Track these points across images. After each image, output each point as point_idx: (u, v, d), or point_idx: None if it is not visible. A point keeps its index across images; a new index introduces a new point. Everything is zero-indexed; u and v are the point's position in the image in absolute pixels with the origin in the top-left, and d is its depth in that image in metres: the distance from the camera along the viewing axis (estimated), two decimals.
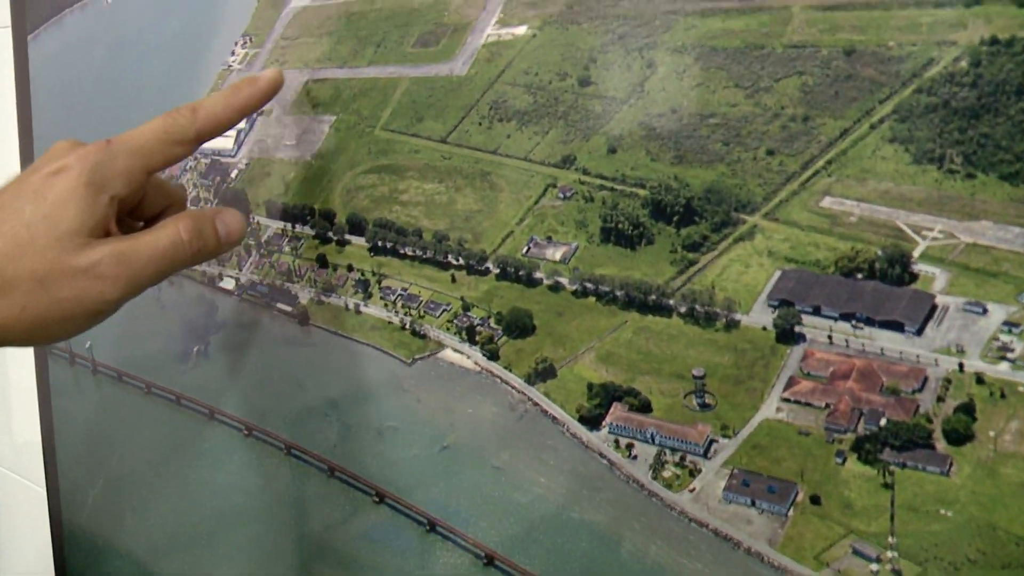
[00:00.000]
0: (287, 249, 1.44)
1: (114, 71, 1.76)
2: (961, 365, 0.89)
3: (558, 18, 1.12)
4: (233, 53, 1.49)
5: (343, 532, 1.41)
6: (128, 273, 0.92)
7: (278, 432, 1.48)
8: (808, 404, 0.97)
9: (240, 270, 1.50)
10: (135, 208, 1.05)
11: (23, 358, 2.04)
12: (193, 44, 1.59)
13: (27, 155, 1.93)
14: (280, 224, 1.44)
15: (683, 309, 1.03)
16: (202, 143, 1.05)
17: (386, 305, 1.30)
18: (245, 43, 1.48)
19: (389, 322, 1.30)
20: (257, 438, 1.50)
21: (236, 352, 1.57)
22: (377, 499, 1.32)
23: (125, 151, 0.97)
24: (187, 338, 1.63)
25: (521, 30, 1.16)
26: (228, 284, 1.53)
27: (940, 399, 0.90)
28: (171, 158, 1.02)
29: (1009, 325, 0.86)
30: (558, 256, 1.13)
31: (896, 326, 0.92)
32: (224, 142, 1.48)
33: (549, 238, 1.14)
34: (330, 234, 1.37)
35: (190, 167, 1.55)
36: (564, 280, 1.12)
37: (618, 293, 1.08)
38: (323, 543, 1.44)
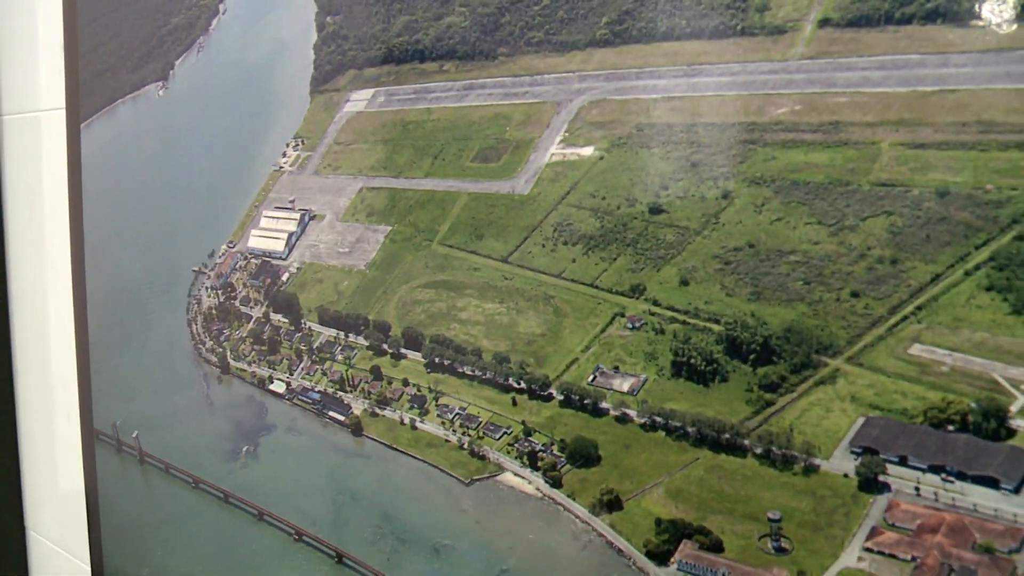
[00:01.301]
0: (340, 358, 1.43)
1: (165, 163, 1.78)
2: None
3: (627, 140, 1.11)
4: (284, 154, 1.51)
5: None
6: None
7: (326, 540, 1.45)
8: (892, 556, 0.95)
9: (291, 374, 1.50)
10: None
11: (70, 440, 2.05)
12: (245, 141, 1.61)
13: (77, 236, 1.92)
14: (333, 332, 1.44)
15: (759, 450, 1.00)
16: None
17: (443, 423, 1.28)
18: (297, 145, 1.49)
19: (446, 440, 1.29)
20: (307, 544, 1.48)
21: (287, 456, 1.55)
22: None
23: None
24: (237, 438, 1.62)
25: (587, 151, 1.15)
26: (279, 387, 1.52)
27: None
28: None
29: None
30: (626, 387, 1.11)
31: (991, 482, 0.89)
32: (275, 244, 1.48)
33: (616, 368, 1.12)
34: (385, 346, 1.36)
35: (240, 267, 1.55)
36: (632, 412, 1.10)
37: (690, 429, 1.05)
38: None
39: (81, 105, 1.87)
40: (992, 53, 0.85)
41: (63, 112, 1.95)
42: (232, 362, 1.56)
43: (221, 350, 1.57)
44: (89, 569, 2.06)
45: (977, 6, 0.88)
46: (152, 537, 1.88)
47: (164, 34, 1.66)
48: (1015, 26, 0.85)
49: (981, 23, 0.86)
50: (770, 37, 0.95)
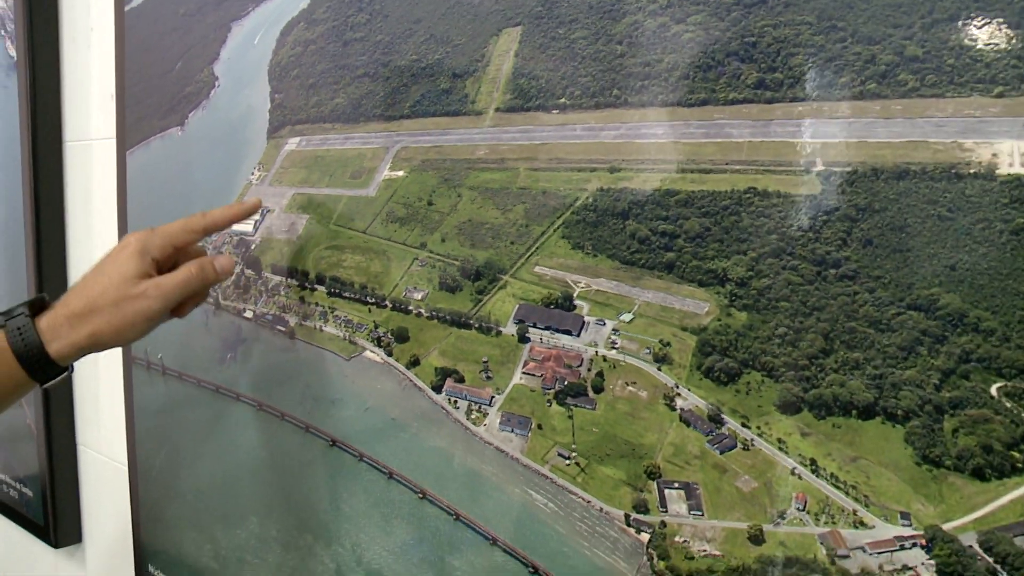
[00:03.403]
0: (283, 293, 1.73)
1: (181, 179, 2.15)
2: (596, 351, 1.19)
3: (418, 167, 1.46)
4: (253, 173, 1.89)
5: (313, 466, 1.67)
6: (162, 294, 1.32)
7: (276, 405, 1.86)
8: (533, 375, 1.27)
9: (256, 305, 1.88)
10: (173, 266, 1.44)
11: (113, 367, 2.26)
12: (229, 165, 1.97)
13: (123, 229, 2.31)
14: (279, 278, 1.74)
15: (477, 326, 1.34)
16: (208, 234, 1.49)
17: (336, 326, 1.59)
18: (260, 168, 1.86)
19: (338, 336, 1.59)
20: (265, 411, 1.81)
21: (252, 356, 1.92)
22: (331, 443, 1.61)
23: (160, 234, 1.40)
24: (223, 349, 2.04)
25: (400, 173, 1.49)
26: (248, 315, 1.90)
27: (589, 369, 1.20)
28: (188, 241, 1.45)
29: (615, 331, 1.19)
30: (419, 297, 1.43)
31: (568, 332, 1.23)
32: (247, 227, 1.86)
33: (415, 287, 1.43)
34: (306, 284, 1.64)
35: (228, 242, 1.94)
36: (423, 311, 1.42)
37: (448, 317, 1.38)
38: (302, 473, 1.70)
39: (127, 138, 2.25)
40: (561, 126, 1.27)
41: (112, 141, 2.32)
42: (221, 301, 1.91)
43: (215, 294, 1.92)
44: (127, 468, 2.37)
45: (556, 103, 1.30)
46: (167, 427, 2.25)
47: (181, 97, 2.07)
48: (569, 112, 1.28)
49: (557, 111, 1.33)
50: (476, 116, 1.37)
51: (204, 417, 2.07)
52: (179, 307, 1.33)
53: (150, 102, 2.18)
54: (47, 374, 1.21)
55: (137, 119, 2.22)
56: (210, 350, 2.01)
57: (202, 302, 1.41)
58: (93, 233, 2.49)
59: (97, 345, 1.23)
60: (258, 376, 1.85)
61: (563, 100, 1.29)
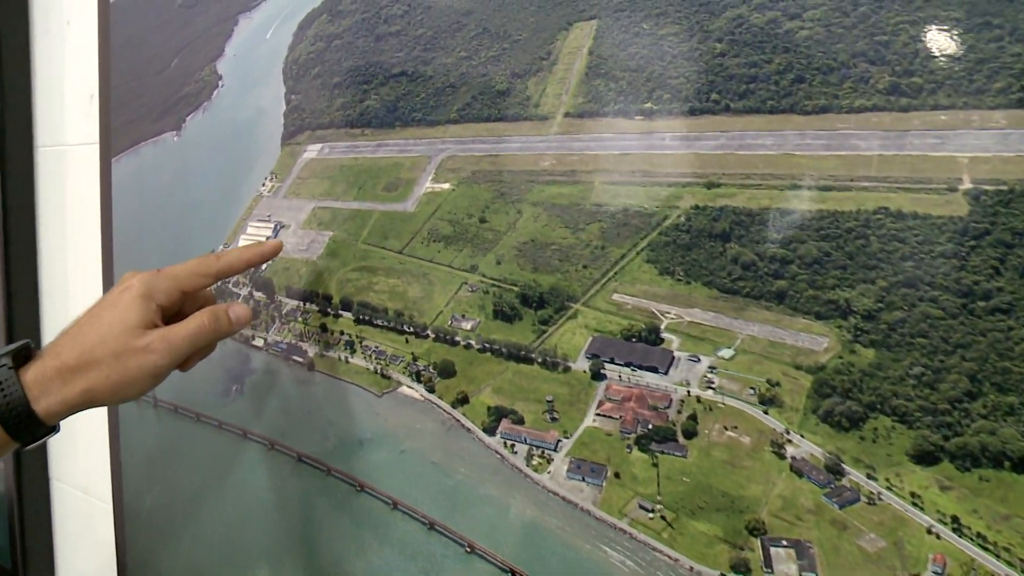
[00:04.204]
0: (300, 319, 1.70)
1: (177, 188, 2.01)
2: (688, 392, 1.10)
3: (467, 179, 1.40)
4: (264, 184, 1.77)
5: (337, 513, 1.56)
6: (170, 348, 1.20)
7: (291, 445, 1.74)
8: (610, 417, 1.17)
9: (267, 333, 1.78)
10: (180, 311, 1.32)
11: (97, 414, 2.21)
12: (234, 175, 1.86)
13: (107, 248, 2.16)
14: (296, 302, 1.71)
15: (540, 360, 1.24)
16: (220, 279, 1.35)
17: (365, 357, 1.55)
18: (272, 178, 1.76)
19: (367, 369, 1.49)
20: (279, 451, 1.77)
21: (263, 390, 1.80)
22: (358, 488, 1.50)
23: (167, 277, 1.27)
24: (228, 380, 1.90)
25: (446, 186, 1.42)
26: (258, 343, 1.79)
27: (679, 411, 1.11)
28: (198, 286, 1.32)
29: (711, 368, 1.09)
30: (469, 327, 1.34)
31: (653, 369, 1.13)
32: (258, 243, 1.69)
33: (463, 315, 1.34)
34: (328, 310, 1.55)
35: None
36: (472, 342, 1.33)
37: (503, 350, 1.28)
38: (323, 521, 1.64)
39: (112, 144, 2.12)
40: (644, 135, 1.19)
41: (93, 147, 2.18)
42: None
43: None
44: (111, 507, 2.24)
45: (639, 108, 1.21)
46: (161, 464, 2.11)
47: (178, 98, 1.94)
48: (655, 120, 1.19)
49: (640, 117, 1.20)
50: (540, 122, 1.28)
51: (205, 455, 1.95)
52: (184, 360, 1.24)
53: (140, 104, 2.05)
54: (32, 434, 1.11)
55: (125, 122, 2.09)
56: (212, 381, 1.89)
57: (209, 354, 1.32)
58: (68, 251, 2.36)
59: (91, 403, 1.13)
60: (270, 412, 1.78)
61: (649, 105, 1.20)
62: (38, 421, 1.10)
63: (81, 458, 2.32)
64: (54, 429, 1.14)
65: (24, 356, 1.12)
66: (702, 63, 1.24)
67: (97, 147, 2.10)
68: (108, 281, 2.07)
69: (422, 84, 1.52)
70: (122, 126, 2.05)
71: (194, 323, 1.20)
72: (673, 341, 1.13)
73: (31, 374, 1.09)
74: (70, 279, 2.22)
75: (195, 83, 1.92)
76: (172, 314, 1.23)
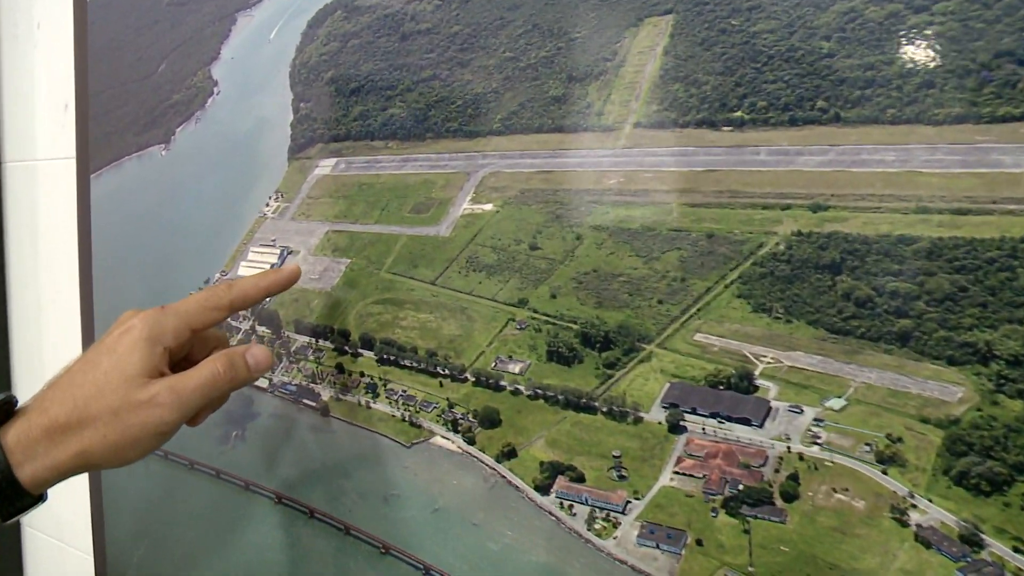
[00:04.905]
0: (312, 358, 1.61)
1: (165, 208, 1.90)
2: (788, 448, 1.03)
3: (514, 199, 1.32)
4: (268, 204, 1.68)
5: None
6: (179, 402, 1.06)
7: (302, 499, 1.64)
8: (691, 475, 1.11)
9: (273, 372, 1.68)
10: (188, 355, 1.21)
11: None
12: (233, 194, 1.76)
13: (86, 277, 2.05)
14: (306, 338, 1.62)
15: (605, 409, 1.18)
16: (234, 312, 1.22)
17: (390, 403, 1.47)
18: (278, 197, 1.67)
19: (392, 415, 1.47)
20: (286, 505, 1.67)
21: (268, 437, 1.71)
22: (382, 550, 1.44)
23: (174, 314, 1.14)
24: (227, 425, 1.79)
25: (488, 207, 1.34)
26: (263, 383, 1.70)
27: (776, 470, 1.05)
28: (209, 322, 1.19)
29: (817, 421, 1.04)
30: (517, 370, 1.30)
31: (746, 421, 1.07)
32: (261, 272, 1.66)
33: (510, 357, 1.31)
34: (346, 348, 1.54)
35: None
36: (521, 387, 1.27)
37: (560, 397, 1.23)
38: None
39: (91, 158, 2.01)
40: (734, 148, 1.10)
41: (69, 162, 2.06)
42: None
43: None
44: (92, 559, 2.11)
45: (727, 117, 1.12)
46: (150, 515, 1.99)
47: (166, 107, 1.82)
48: (747, 131, 1.10)
49: (729, 128, 1.12)
50: (604, 133, 1.19)
51: (201, 507, 1.85)
52: (195, 414, 1.12)
53: (123, 113, 1.94)
54: (13, 506, 1.00)
55: (105, 134, 1.97)
56: (208, 425, 1.60)
57: (221, 405, 1.22)
58: (42, 280, 2.24)
59: (86, 467, 1.02)
60: (277, 462, 1.68)
61: (739, 114, 1.12)
62: (22, 490, 0.99)
63: (56, 503, 2.04)
64: (40, 499, 1.03)
65: (5, 412, 1.02)
66: (805, 65, 1.10)
67: (74, 162, 2.01)
68: (87, 315, 1.98)
69: (458, 90, 1.39)
70: (102, 138, 1.95)
71: (207, 370, 1.08)
72: (770, 389, 1.06)
73: (14, 434, 0.99)
74: (44, 313, 2.15)
75: (186, 90, 1.81)
76: (179, 358, 1.13)
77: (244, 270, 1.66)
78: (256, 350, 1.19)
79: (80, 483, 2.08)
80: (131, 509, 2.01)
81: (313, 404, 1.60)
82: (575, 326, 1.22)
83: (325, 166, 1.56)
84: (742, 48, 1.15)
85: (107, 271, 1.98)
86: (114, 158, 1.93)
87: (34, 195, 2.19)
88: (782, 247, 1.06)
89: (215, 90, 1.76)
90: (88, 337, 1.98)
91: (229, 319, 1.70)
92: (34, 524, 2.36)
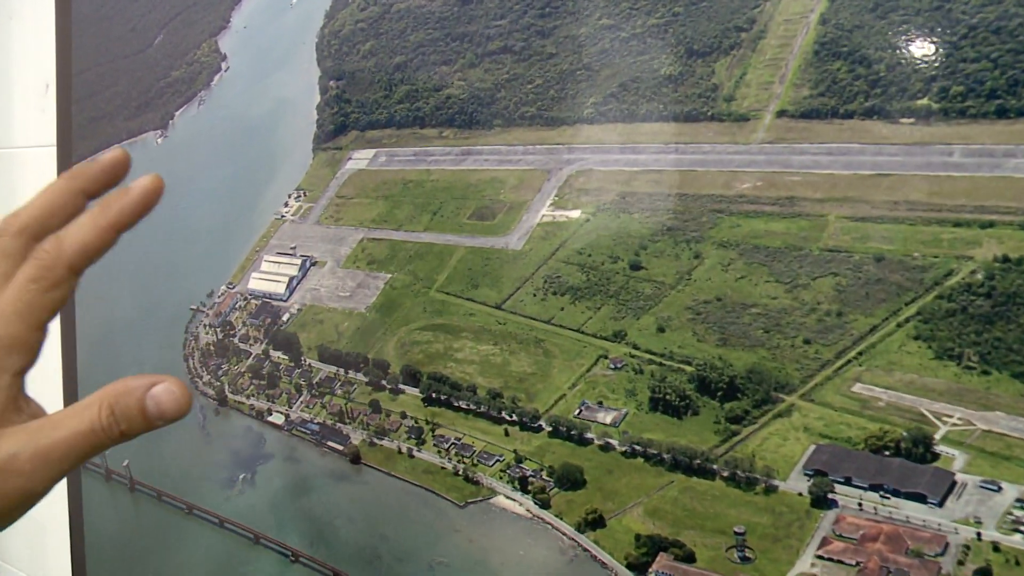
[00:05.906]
0: (339, 392, 1.49)
1: (162, 207, 1.76)
2: (979, 534, 0.97)
3: (611, 206, 1.21)
4: (287, 204, 1.56)
5: None
6: (46, 466, 0.87)
7: (326, 561, 1.50)
8: (840, 562, 1.05)
9: (290, 407, 1.55)
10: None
11: None
12: (245, 190, 1.65)
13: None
14: (333, 368, 1.49)
15: (726, 473, 1.10)
16: (80, 274, 1.00)
17: (439, 452, 1.35)
18: (299, 196, 1.55)
19: (442, 467, 1.35)
20: (304, 564, 1.52)
21: (284, 483, 1.58)
22: None
23: (2, 321, 0.91)
24: (233, 466, 1.65)
25: (575, 213, 1.24)
26: (277, 419, 1.56)
27: (960, 563, 0.98)
28: (54, 305, 0.94)
29: (1020, 502, 0.95)
30: (608, 420, 1.20)
31: (920, 498, 1.00)
32: (275, 286, 1.53)
33: (600, 403, 1.20)
34: (384, 382, 1.42)
35: (240, 306, 1.59)
36: (614, 441, 1.19)
37: (665, 456, 1.15)
38: None
39: (74, 147, 1.87)
40: (917, 146, 0.98)
41: (50, 150, 1.92)
42: (230, 395, 1.58)
43: (219, 384, 1.58)
44: None
45: (907, 107, 0.99)
46: (140, 564, 1.86)
47: (163, 86, 1.70)
48: (935, 125, 0.97)
49: (910, 120, 1.00)
50: (736, 123, 1.06)
51: (202, 560, 1.70)
52: None
53: (112, 94, 1.80)
54: None
55: (91, 119, 1.83)
56: (210, 465, 1.68)
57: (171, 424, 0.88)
58: None
59: None
60: (295, 513, 1.54)
61: (924, 102, 0.98)
62: None
63: (36, 541, 2.10)
64: None
65: None
66: (1019, 42, 0.94)
67: (55, 150, 1.86)
68: (69, 324, 1.86)
69: (537, 65, 1.26)
70: (88, 123, 1.82)
71: (87, 421, 0.78)
72: (955, 458, 0.99)
73: None
74: None
75: (187, 66, 1.69)
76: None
77: (256, 283, 1.54)
78: (162, 390, 0.90)
79: (60, 521, 1.96)
80: (119, 556, 1.89)
81: (340, 448, 1.47)
82: (689, 368, 1.16)
83: (360, 159, 1.46)
84: (931, 15, 0.99)
85: (90, 277, 1.77)
86: (101, 146, 1.81)
87: (12, 187, 2.04)
88: (980, 276, 0.97)
89: (223, 66, 1.64)
90: (68, 345, 1.87)
91: (235, 341, 1.57)
92: (11, 560, 2.20)
